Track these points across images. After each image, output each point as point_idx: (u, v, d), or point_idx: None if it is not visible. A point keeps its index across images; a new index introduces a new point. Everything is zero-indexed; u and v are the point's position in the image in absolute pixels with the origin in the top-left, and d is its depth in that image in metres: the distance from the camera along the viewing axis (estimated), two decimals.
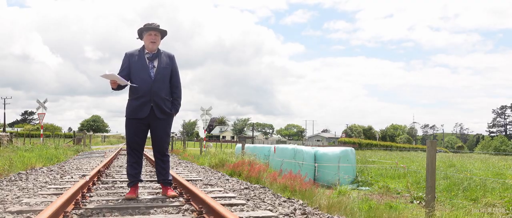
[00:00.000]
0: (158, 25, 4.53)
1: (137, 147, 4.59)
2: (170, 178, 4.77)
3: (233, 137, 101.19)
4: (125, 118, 4.58)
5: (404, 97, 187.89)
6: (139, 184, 5.18)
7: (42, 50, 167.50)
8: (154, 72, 4.49)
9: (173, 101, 4.66)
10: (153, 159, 4.96)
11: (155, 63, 4.53)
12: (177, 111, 4.70)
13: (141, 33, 4.57)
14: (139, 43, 4.66)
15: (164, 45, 4.72)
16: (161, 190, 4.92)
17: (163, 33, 4.61)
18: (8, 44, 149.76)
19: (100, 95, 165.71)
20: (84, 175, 6.87)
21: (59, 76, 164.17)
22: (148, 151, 12.83)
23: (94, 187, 5.54)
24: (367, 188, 10.30)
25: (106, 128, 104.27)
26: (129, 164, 4.61)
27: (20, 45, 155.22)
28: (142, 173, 4.76)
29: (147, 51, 4.55)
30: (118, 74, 4.40)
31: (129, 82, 4.43)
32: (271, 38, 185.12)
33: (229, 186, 5.90)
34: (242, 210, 4.03)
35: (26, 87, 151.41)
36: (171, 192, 4.60)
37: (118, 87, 4.44)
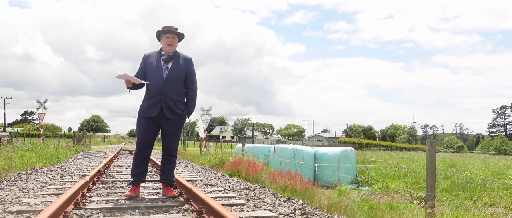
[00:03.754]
0: (176, 29, 4.60)
1: (146, 145, 4.58)
2: (173, 179, 4.77)
3: (233, 137, 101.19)
4: (137, 116, 4.63)
5: (404, 97, 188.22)
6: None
7: (44, 50, 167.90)
8: (167, 73, 4.54)
9: (187, 103, 4.68)
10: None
11: (169, 65, 4.58)
12: (190, 113, 4.70)
13: (159, 35, 4.65)
14: (157, 45, 4.75)
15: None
16: (161, 190, 4.92)
17: (181, 37, 4.67)
18: (11, 45, 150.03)
19: (101, 95, 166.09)
20: (84, 175, 6.87)
21: (61, 76, 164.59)
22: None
23: (94, 187, 5.53)
24: (367, 188, 10.30)
25: (106, 128, 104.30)
26: (135, 163, 4.61)
27: (22, 46, 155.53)
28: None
29: (163, 53, 4.62)
30: (135, 75, 4.50)
31: (143, 81, 4.48)
32: (272, 39, 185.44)
33: (229, 186, 5.89)
34: (242, 210, 4.03)
35: (28, 87, 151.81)
36: (172, 192, 4.61)
37: (134, 86, 4.50)
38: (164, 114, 4.50)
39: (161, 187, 5.01)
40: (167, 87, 4.50)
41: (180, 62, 4.62)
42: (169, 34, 4.55)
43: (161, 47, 4.66)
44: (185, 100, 4.69)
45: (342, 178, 10.94)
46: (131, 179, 4.65)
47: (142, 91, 4.69)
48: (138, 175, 4.60)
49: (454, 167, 13.69)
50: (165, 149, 4.69)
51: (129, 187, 4.73)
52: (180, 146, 25.75)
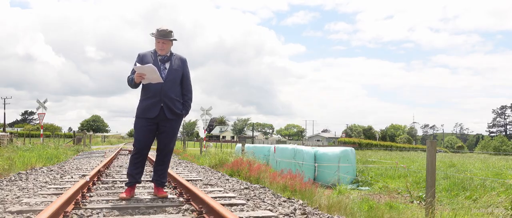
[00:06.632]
0: (170, 32, 4.53)
1: (144, 146, 4.56)
2: (165, 180, 4.76)
3: (233, 137, 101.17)
4: (135, 117, 4.60)
5: (404, 97, 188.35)
6: (139, 184, 5.16)
7: (45, 50, 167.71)
8: (166, 73, 4.55)
9: (185, 103, 4.72)
10: (154, 158, 4.96)
11: (167, 65, 4.60)
12: (187, 112, 4.76)
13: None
14: (150, 44, 4.73)
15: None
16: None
17: (173, 41, 4.63)
18: (12, 45, 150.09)
19: (102, 95, 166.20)
20: (84, 175, 6.87)
21: (62, 76, 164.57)
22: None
23: (94, 187, 5.53)
24: (367, 188, 10.29)
25: (106, 128, 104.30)
26: (132, 163, 4.59)
27: (23, 46, 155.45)
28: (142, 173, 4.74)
29: (159, 54, 4.61)
30: (130, 74, 4.52)
31: (161, 79, 4.42)
32: (272, 39, 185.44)
33: (229, 186, 5.90)
34: (242, 210, 4.03)
35: (29, 87, 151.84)
36: (162, 193, 4.61)
37: (139, 84, 4.50)
38: (164, 114, 4.51)
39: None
40: (167, 87, 4.52)
41: (177, 63, 4.65)
42: (160, 39, 4.52)
43: (155, 48, 4.64)
44: (183, 100, 4.72)
45: (342, 178, 10.95)
46: (127, 180, 4.64)
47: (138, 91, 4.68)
48: (135, 175, 4.58)
49: (454, 167, 13.70)
50: (161, 148, 4.68)
51: (125, 188, 4.72)
52: (180, 146, 25.73)
